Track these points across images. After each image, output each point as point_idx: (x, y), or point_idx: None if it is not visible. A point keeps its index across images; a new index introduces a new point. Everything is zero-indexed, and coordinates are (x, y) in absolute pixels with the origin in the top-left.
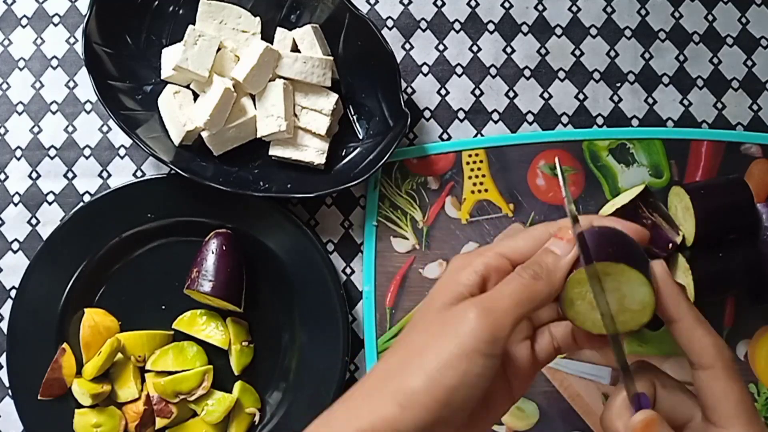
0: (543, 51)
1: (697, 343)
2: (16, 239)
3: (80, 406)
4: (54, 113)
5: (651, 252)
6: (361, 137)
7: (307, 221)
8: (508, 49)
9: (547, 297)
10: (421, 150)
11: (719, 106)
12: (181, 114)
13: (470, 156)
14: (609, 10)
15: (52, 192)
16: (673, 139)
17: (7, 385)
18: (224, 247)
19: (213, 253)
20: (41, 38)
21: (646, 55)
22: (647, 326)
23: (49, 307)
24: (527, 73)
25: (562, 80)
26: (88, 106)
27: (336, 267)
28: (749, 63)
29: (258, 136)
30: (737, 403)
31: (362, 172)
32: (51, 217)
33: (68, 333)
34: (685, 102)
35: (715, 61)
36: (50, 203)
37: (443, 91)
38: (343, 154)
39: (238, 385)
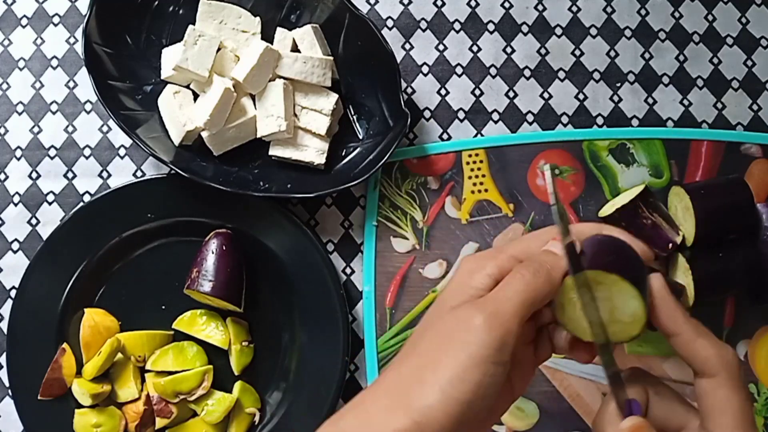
0: (543, 51)
1: (698, 355)
2: (16, 239)
3: (80, 406)
4: (54, 113)
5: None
6: (361, 137)
7: (307, 221)
8: (508, 49)
9: (547, 294)
10: (421, 150)
11: (719, 106)
12: (181, 114)
13: (470, 156)
14: (609, 10)
15: (52, 192)
16: (673, 139)
17: (7, 385)
18: (224, 247)
19: (213, 253)
20: (41, 38)
21: (646, 55)
22: (649, 327)
23: (49, 307)
24: (527, 73)
25: (562, 80)
26: (88, 106)
27: (336, 267)
28: (749, 63)
29: (258, 136)
30: (735, 414)
31: (362, 172)
32: (51, 217)
33: (68, 333)
34: (685, 102)
35: (715, 61)
36: (50, 203)
37: (443, 91)
38: (343, 154)
39: (238, 385)
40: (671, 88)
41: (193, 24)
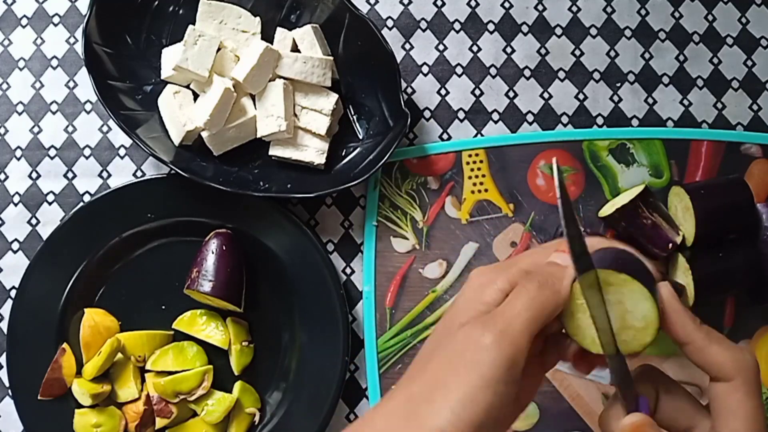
0: (543, 51)
1: (712, 362)
2: (16, 239)
3: (80, 406)
4: (54, 113)
5: (653, 255)
6: (361, 137)
7: (307, 221)
8: (508, 49)
9: (555, 306)
10: (421, 150)
11: (719, 106)
12: (181, 114)
13: (470, 156)
14: (609, 10)
15: (52, 192)
16: (673, 139)
17: (7, 385)
18: (224, 247)
19: (213, 253)
20: (41, 38)
21: (646, 55)
22: None
23: (49, 307)
24: (527, 73)
25: (562, 80)
26: (88, 106)
27: (336, 267)
28: (749, 63)
29: (258, 136)
30: (747, 418)
31: (362, 172)
32: (51, 217)
33: (68, 333)
34: (685, 102)
35: (715, 61)
36: (50, 203)
37: (443, 91)
38: (343, 154)
39: (238, 385)
40: (671, 88)
41: (193, 24)
